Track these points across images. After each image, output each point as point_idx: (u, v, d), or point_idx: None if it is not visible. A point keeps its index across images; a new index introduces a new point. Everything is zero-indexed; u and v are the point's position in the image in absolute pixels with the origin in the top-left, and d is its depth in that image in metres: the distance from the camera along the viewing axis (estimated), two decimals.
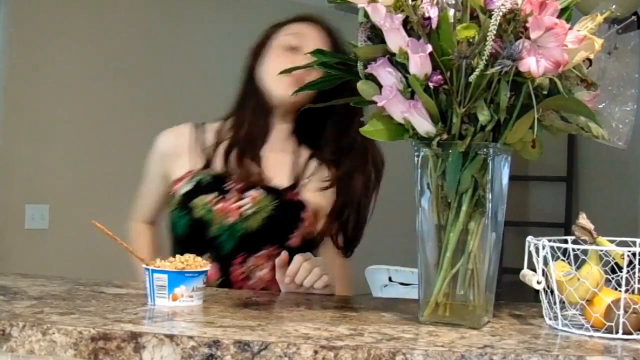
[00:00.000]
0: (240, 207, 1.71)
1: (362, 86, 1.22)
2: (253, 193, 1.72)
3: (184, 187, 1.74)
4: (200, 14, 4.69)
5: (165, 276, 1.32)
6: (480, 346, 1.06)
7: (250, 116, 1.79)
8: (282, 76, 1.63)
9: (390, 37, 1.17)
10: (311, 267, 1.54)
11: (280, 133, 1.80)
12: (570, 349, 1.07)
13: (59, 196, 4.13)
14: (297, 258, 1.55)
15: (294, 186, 1.76)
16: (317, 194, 1.76)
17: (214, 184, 1.74)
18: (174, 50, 4.54)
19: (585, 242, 1.21)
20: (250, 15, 4.63)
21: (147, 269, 1.34)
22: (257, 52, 1.82)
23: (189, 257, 1.37)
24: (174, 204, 1.75)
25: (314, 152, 1.80)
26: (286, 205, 1.73)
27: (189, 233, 1.72)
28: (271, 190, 1.74)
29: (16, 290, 1.42)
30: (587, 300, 1.18)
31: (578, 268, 1.20)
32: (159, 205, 1.87)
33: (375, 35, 1.21)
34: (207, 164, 1.78)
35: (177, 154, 1.81)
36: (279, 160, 1.79)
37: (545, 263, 1.19)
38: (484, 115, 1.15)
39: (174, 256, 1.38)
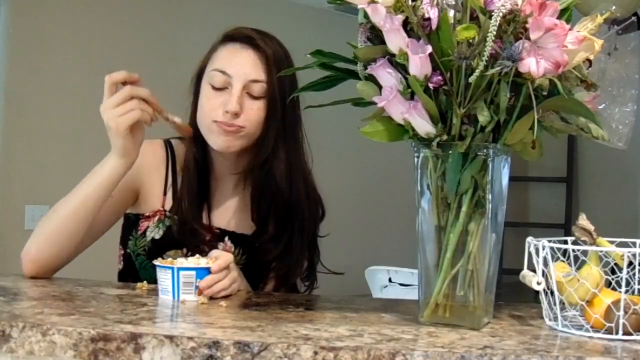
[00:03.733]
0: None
1: (362, 87, 1.22)
2: (223, 247, 1.67)
3: (154, 231, 1.68)
4: (202, 15, 4.69)
5: (194, 273, 1.40)
6: (480, 347, 1.06)
7: (193, 161, 1.68)
8: (215, 125, 1.58)
9: (390, 38, 1.17)
10: (229, 282, 1.44)
11: (233, 174, 1.72)
12: (570, 349, 1.07)
13: (59, 197, 4.12)
14: (214, 277, 1.42)
15: (262, 227, 1.69)
16: None
17: (183, 235, 1.66)
18: (176, 51, 4.55)
19: (585, 243, 1.21)
20: (253, 17, 4.64)
21: (171, 268, 1.39)
22: (196, 86, 1.69)
23: (206, 258, 1.46)
24: (140, 246, 1.68)
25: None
26: (257, 252, 1.68)
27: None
28: (239, 239, 1.69)
29: (16, 291, 1.42)
30: (587, 301, 1.18)
31: (578, 269, 1.20)
32: (109, 223, 1.69)
33: (375, 36, 1.21)
34: (177, 202, 1.69)
35: (152, 168, 1.71)
36: (236, 206, 1.73)
37: (545, 264, 1.19)
38: (483, 116, 1.15)
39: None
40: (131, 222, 1.72)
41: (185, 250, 1.67)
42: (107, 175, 1.53)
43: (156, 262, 1.43)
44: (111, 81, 1.50)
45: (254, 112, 1.61)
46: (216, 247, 1.66)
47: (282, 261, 1.69)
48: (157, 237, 1.68)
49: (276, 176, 1.65)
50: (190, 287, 1.39)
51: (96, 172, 1.55)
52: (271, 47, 1.63)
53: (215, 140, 1.62)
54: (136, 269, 1.69)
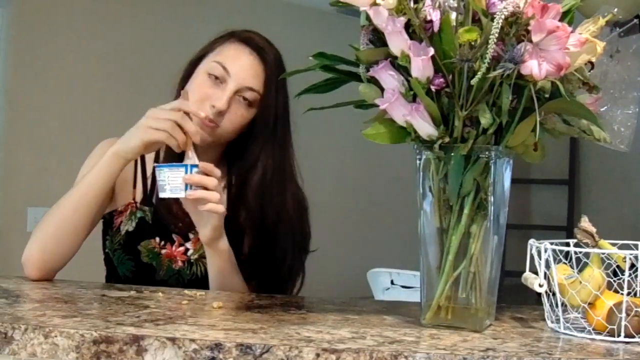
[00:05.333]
0: (185, 251, 1.69)
1: (364, 89, 1.23)
2: (193, 236, 1.69)
3: (127, 224, 1.69)
4: (203, 16, 4.70)
5: (182, 170, 1.46)
6: (482, 349, 1.06)
7: (166, 149, 1.67)
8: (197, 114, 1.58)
9: (392, 40, 1.17)
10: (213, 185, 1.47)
11: (206, 160, 1.70)
12: (572, 352, 1.07)
13: None
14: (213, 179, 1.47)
15: (233, 213, 1.67)
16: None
17: (156, 225, 1.68)
18: (175, 51, 4.54)
19: (587, 245, 1.21)
20: (254, 18, 4.64)
21: (166, 165, 1.47)
22: (190, 69, 1.69)
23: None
24: (116, 242, 1.70)
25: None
26: (230, 236, 1.66)
27: (134, 275, 1.68)
28: None
29: (18, 293, 1.42)
30: (589, 304, 1.18)
31: (580, 271, 1.20)
32: (95, 223, 1.67)
33: (377, 38, 1.21)
34: (147, 193, 1.72)
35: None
36: None
37: (547, 266, 1.19)
38: (486, 119, 1.15)
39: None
40: (107, 222, 1.73)
41: (158, 239, 1.68)
42: (105, 166, 1.56)
43: (155, 165, 1.49)
44: (180, 107, 1.53)
45: (237, 117, 1.63)
46: (187, 236, 1.69)
47: (258, 277, 1.69)
48: (130, 229, 1.70)
49: (249, 193, 1.66)
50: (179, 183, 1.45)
51: (95, 167, 1.58)
52: (275, 62, 1.64)
53: None
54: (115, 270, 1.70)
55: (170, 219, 1.67)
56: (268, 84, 1.63)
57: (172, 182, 1.45)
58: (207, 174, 1.48)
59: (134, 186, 1.73)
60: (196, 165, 1.46)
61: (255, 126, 1.65)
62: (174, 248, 1.67)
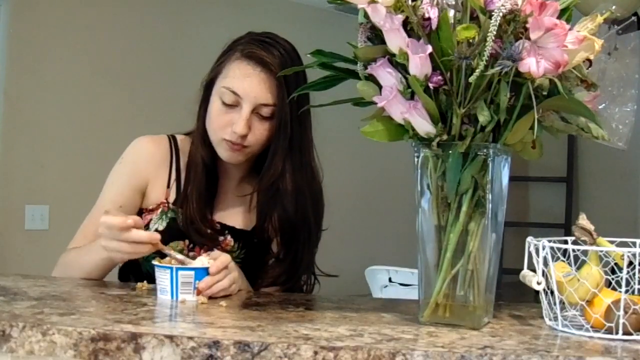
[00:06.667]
0: None
1: (362, 87, 1.22)
2: (222, 241, 1.71)
3: (157, 223, 1.70)
4: (202, 13, 4.69)
5: (192, 273, 1.41)
6: (480, 347, 1.06)
7: (202, 164, 1.70)
8: (224, 142, 1.62)
9: (390, 37, 1.17)
10: (229, 282, 1.46)
11: (237, 173, 1.76)
12: (570, 349, 1.08)
13: (59, 197, 4.14)
14: (213, 277, 1.44)
15: (262, 224, 1.71)
16: None
17: (188, 231, 1.69)
18: (175, 51, 4.55)
19: (585, 242, 1.21)
20: (253, 16, 4.64)
21: (170, 268, 1.41)
22: (206, 92, 1.69)
23: (203, 255, 1.50)
24: None
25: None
26: (256, 248, 1.71)
27: None
28: (239, 235, 1.72)
29: (16, 290, 1.42)
30: (587, 301, 1.18)
31: (578, 269, 1.20)
32: None
33: (375, 35, 1.21)
34: (180, 195, 1.72)
35: (157, 163, 1.74)
36: (237, 202, 1.75)
37: (545, 264, 1.19)
38: (484, 116, 1.15)
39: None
40: None
41: (187, 242, 1.69)
42: (93, 255, 1.61)
43: (155, 262, 1.44)
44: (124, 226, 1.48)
45: (260, 132, 1.64)
46: (217, 241, 1.69)
47: (287, 277, 1.71)
48: (160, 228, 1.70)
49: (283, 198, 1.68)
50: (189, 287, 1.40)
51: (91, 248, 1.62)
52: (282, 62, 1.61)
53: (223, 154, 1.67)
54: (137, 264, 1.70)
55: (198, 238, 1.68)
56: (279, 93, 1.61)
57: (181, 285, 1.40)
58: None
59: (168, 186, 1.73)
60: (206, 269, 1.42)
61: (276, 135, 1.65)
62: (202, 251, 1.67)
